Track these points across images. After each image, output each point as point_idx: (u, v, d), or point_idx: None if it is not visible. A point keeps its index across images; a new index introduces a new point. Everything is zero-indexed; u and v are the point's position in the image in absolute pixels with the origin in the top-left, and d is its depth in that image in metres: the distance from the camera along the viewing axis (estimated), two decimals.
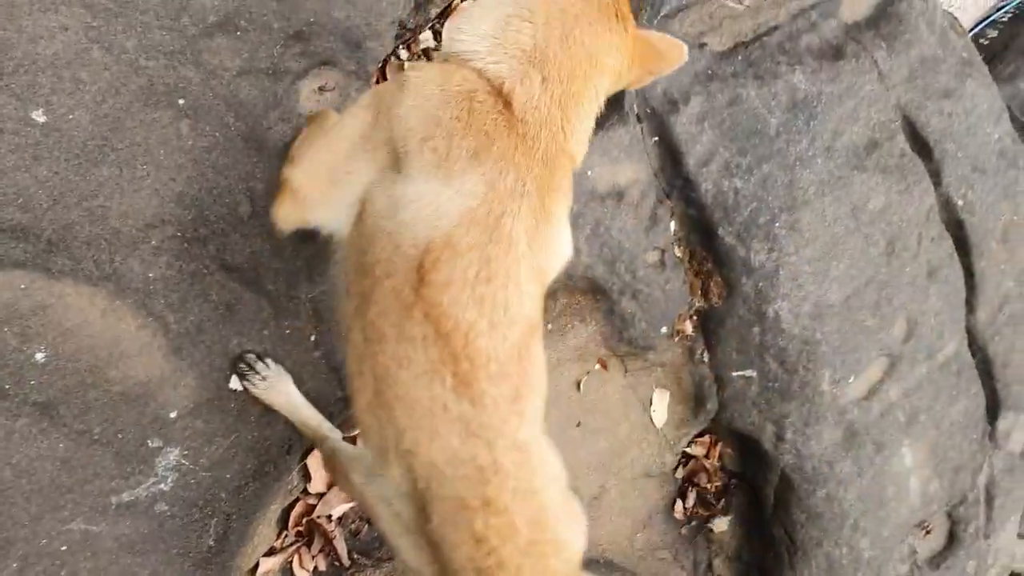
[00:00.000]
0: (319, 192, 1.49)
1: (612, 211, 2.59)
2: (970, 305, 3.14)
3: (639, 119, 2.68)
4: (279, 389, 2.07)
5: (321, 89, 2.08)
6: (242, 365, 2.04)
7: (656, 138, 2.68)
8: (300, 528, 2.45)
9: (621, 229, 2.61)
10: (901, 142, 3.00)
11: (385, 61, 2.29)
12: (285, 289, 2.10)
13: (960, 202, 3.08)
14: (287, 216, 1.60)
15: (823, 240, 2.79)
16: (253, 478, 2.19)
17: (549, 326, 2.63)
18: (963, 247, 3.10)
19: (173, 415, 2.03)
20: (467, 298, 1.30)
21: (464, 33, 1.41)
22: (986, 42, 5.10)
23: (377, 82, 2.32)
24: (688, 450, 3.00)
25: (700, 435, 3.00)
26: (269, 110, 1.98)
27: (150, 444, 2.02)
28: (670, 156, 2.69)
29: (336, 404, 2.23)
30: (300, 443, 2.25)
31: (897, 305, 2.91)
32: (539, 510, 1.40)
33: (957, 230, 3.09)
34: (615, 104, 2.55)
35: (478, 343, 1.31)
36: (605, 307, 2.67)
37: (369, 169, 1.40)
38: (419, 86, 1.37)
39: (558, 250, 1.45)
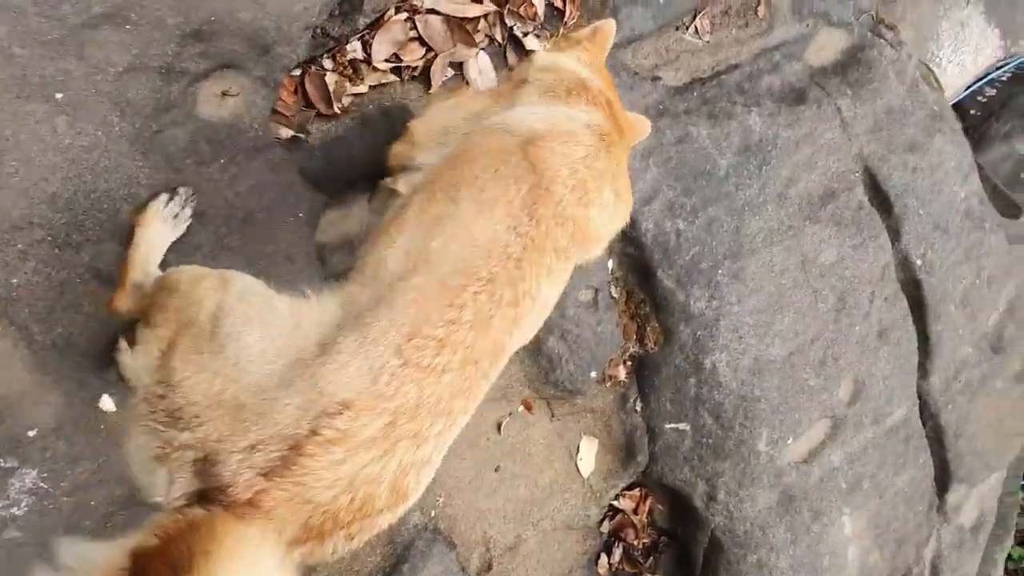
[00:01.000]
0: (429, 140, 1.87)
1: None
2: (923, 370, 3.00)
3: None
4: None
5: (224, 94, 1.94)
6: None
7: None
8: None
9: None
10: (860, 194, 2.88)
11: (305, 71, 2.15)
12: None
13: (919, 261, 2.94)
14: (400, 153, 1.93)
15: (768, 291, 2.65)
16: (124, 506, 2.02)
17: None
18: (919, 308, 2.96)
19: (32, 434, 1.86)
20: (567, 164, 1.62)
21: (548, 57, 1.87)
22: (984, 100, 5.04)
23: (296, 92, 2.19)
24: (615, 503, 2.82)
25: (629, 488, 2.83)
26: (160, 112, 1.83)
27: (3, 464, 1.85)
28: None
29: None
30: None
31: (844, 365, 2.76)
32: (494, 362, 1.47)
33: (914, 290, 2.95)
34: None
35: (558, 190, 1.59)
36: (531, 345, 2.51)
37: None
38: (538, 74, 1.81)
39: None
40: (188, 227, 1.89)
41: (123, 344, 1.88)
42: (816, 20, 3.00)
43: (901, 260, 2.93)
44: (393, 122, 2.28)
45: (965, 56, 4.78)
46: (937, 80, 3.39)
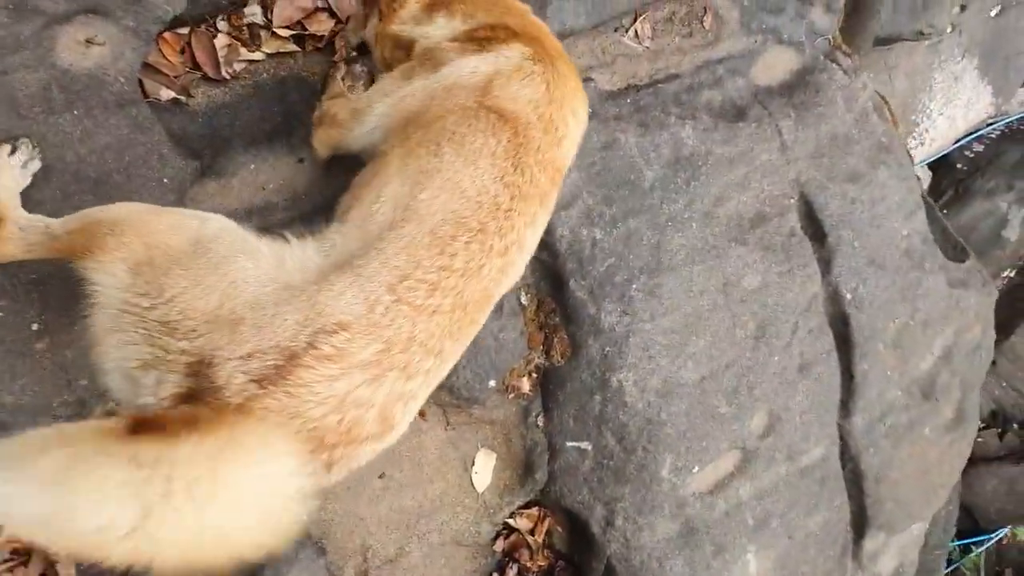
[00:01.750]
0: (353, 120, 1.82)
1: None
2: (846, 409, 2.87)
3: None
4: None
5: (89, 42, 1.79)
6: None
7: None
8: (17, 545, 2.10)
9: None
10: (793, 221, 2.76)
11: (192, 30, 2.00)
12: (4, 264, 1.78)
13: (849, 296, 2.82)
14: (328, 139, 1.90)
15: (684, 312, 2.51)
16: None
17: None
18: (845, 345, 2.83)
19: None
20: (532, 106, 1.63)
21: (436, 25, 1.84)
22: (971, 155, 5.00)
23: (182, 52, 2.03)
24: (511, 522, 2.67)
25: (527, 506, 2.68)
26: (7, 53, 1.68)
27: None
28: None
29: (60, 407, 1.90)
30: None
31: (759, 396, 2.63)
32: (482, 309, 1.52)
33: (841, 325, 2.83)
34: None
35: (534, 135, 1.61)
36: None
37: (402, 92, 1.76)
38: (442, 45, 1.78)
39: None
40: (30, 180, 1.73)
41: None
42: (766, 37, 2.89)
43: (830, 293, 2.81)
44: (288, 94, 2.13)
45: (956, 110, 4.71)
46: (891, 111, 3.29)
